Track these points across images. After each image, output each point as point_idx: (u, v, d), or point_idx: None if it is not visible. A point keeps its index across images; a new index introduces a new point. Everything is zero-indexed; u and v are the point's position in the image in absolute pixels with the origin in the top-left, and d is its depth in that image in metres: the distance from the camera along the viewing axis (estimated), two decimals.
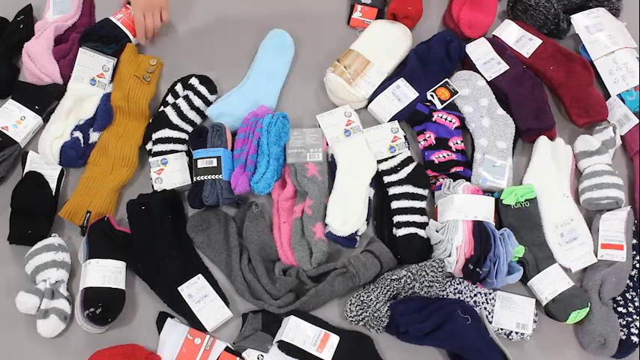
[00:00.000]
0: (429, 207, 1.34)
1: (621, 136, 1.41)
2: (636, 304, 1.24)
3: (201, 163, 1.28)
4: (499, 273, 1.20)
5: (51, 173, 1.32)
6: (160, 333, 1.20)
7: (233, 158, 1.31)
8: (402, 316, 1.17)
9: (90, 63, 1.41)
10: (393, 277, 1.20)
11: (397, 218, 1.28)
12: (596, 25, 1.48)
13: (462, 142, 1.37)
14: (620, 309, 1.24)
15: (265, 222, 1.31)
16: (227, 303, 1.22)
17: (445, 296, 1.24)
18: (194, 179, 1.29)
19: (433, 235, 1.25)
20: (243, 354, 1.18)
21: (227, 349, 1.19)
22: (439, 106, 1.40)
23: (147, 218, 1.26)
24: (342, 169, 1.32)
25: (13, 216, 1.27)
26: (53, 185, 1.32)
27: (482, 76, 1.44)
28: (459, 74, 1.45)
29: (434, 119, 1.38)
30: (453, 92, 1.41)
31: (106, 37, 1.43)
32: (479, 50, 1.47)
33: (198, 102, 1.39)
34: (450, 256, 1.21)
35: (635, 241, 1.30)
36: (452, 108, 1.40)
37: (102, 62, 1.42)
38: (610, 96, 1.44)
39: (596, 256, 1.28)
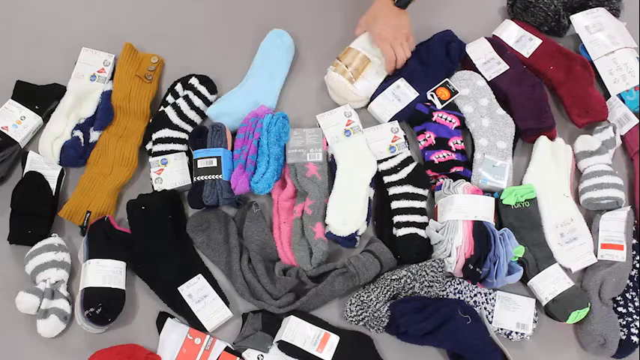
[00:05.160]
0: (429, 207, 1.34)
1: (621, 136, 1.40)
2: (636, 304, 1.24)
3: (201, 163, 1.28)
4: (499, 273, 1.20)
5: (51, 173, 1.32)
6: (160, 333, 1.20)
7: (233, 158, 1.31)
8: (402, 316, 1.17)
9: (92, 60, 1.42)
10: (393, 277, 1.20)
11: (397, 218, 1.28)
12: (596, 25, 1.48)
13: (462, 142, 1.37)
14: (620, 309, 1.24)
15: (265, 222, 1.30)
16: (227, 303, 1.22)
17: (445, 296, 1.23)
18: (194, 179, 1.29)
19: (433, 235, 1.25)
20: (243, 354, 1.18)
21: (227, 349, 1.19)
22: (439, 106, 1.40)
23: (147, 218, 1.26)
24: (342, 169, 1.31)
25: (13, 216, 1.27)
26: (53, 185, 1.32)
27: (483, 76, 1.44)
28: (459, 74, 1.45)
29: (434, 119, 1.37)
30: (453, 92, 1.41)
31: None
32: (479, 50, 1.47)
33: (198, 102, 1.38)
34: (450, 256, 1.21)
35: (635, 241, 1.30)
36: (452, 108, 1.40)
37: (103, 58, 1.43)
38: (610, 96, 1.43)
39: (596, 256, 1.28)
